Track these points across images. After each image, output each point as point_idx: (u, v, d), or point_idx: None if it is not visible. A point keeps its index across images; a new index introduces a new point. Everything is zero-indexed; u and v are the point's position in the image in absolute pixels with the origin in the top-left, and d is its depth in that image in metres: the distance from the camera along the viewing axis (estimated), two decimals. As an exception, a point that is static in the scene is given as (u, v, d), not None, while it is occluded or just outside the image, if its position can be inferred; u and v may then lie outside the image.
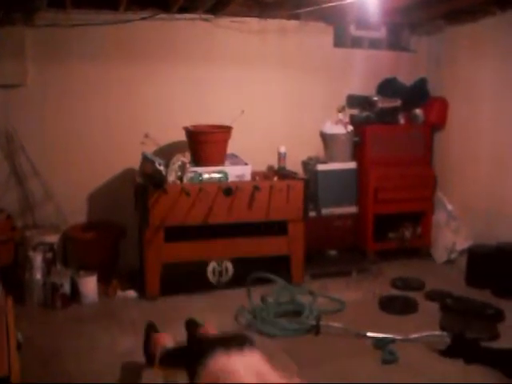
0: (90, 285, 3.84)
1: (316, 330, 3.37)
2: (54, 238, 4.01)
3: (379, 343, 3.22)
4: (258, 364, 2.02)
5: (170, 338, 2.76)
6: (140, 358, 2.99)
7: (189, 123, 4.15)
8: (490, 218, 4.37)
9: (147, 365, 2.87)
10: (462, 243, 4.59)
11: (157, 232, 3.81)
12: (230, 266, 4.03)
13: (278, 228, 4.08)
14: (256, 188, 3.94)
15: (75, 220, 4.26)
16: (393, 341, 3.24)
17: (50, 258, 3.87)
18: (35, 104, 4.11)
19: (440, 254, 4.73)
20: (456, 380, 2.88)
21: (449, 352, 3.12)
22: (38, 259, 3.78)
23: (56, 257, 3.98)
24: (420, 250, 4.82)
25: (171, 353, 2.56)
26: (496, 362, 2.98)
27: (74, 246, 4.13)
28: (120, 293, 3.95)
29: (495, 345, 3.15)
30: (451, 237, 4.69)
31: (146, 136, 4.07)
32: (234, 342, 2.17)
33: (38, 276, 3.77)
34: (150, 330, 3.00)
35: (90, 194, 4.34)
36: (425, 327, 3.38)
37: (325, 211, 4.47)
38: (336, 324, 3.41)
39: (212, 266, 4.00)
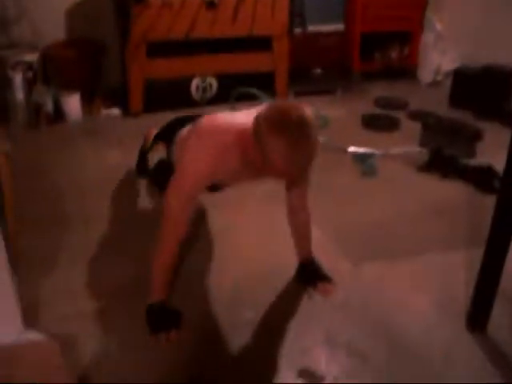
0: (73, 103, 3.82)
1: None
2: (32, 57, 3.89)
3: (360, 157, 3.31)
4: None
5: None
6: (127, 171, 3.08)
7: None
8: (479, 39, 4.27)
9: (138, 176, 2.98)
10: (449, 64, 4.55)
11: (139, 48, 3.71)
12: (213, 82, 3.98)
13: (262, 44, 3.98)
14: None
15: (53, 38, 4.09)
16: (373, 155, 3.33)
17: (29, 77, 3.78)
18: None
19: (426, 76, 4.70)
20: (431, 192, 3.01)
21: (426, 167, 3.23)
22: (17, 79, 3.69)
23: (36, 76, 3.90)
24: (406, 71, 4.77)
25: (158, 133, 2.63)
26: (470, 176, 3.11)
27: (54, 65, 4.02)
28: (104, 111, 3.95)
29: (471, 162, 3.25)
30: (438, 58, 4.63)
31: None
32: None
33: (20, 96, 3.71)
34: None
35: (67, 10, 4.13)
36: (405, 144, 3.46)
37: (311, 28, 4.34)
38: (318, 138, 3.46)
39: (195, 82, 3.95)
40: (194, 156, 1.80)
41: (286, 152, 1.54)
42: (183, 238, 1.95)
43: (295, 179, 1.91)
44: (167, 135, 2.28)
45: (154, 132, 2.75)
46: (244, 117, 1.80)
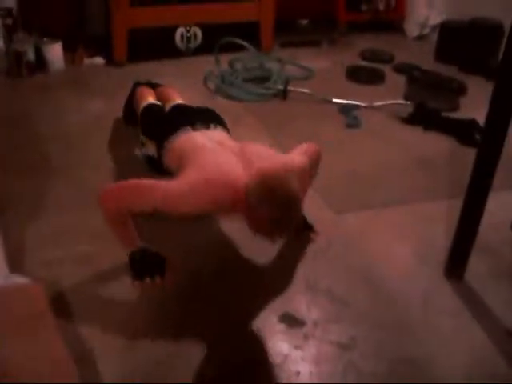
0: (55, 52, 3.74)
1: (283, 94, 3.42)
2: (11, 3, 3.79)
3: (344, 109, 3.31)
4: (220, 136, 2.11)
5: (154, 96, 2.75)
6: (111, 120, 3.06)
7: None
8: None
9: (124, 122, 2.96)
10: (436, 18, 4.51)
11: (122, -4, 3.63)
12: (198, 31, 3.92)
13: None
14: None
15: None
16: (357, 107, 3.34)
17: (9, 24, 3.68)
18: None
19: (412, 29, 4.66)
20: (414, 144, 3.03)
21: (410, 119, 3.24)
22: (-4, 25, 3.62)
23: (17, 23, 3.80)
24: (392, 24, 4.73)
25: (149, 115, 2.56)
26: (452, 129, 3.13)
27: (35, 12, 3.93)
28: (87, 60, 3.88)
29: (454, 115, 3.26)
30: (425, 11, 4.59)
31: None
32: (201, 118, 2.22)
33: (0, 44, 3.63)
34: (138, 86, 2.95)
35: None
36: (389, 96, 3.46)
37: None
38: (303, 89, 3.46)
39: (180, 31, 3.89)
40: (184, 199, 1.78)
41: (271, 217, 1.68)
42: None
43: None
44: (157, 136, 2.25)
45: (148, 95, 2.71)
46: (232, 163, 1.87)
